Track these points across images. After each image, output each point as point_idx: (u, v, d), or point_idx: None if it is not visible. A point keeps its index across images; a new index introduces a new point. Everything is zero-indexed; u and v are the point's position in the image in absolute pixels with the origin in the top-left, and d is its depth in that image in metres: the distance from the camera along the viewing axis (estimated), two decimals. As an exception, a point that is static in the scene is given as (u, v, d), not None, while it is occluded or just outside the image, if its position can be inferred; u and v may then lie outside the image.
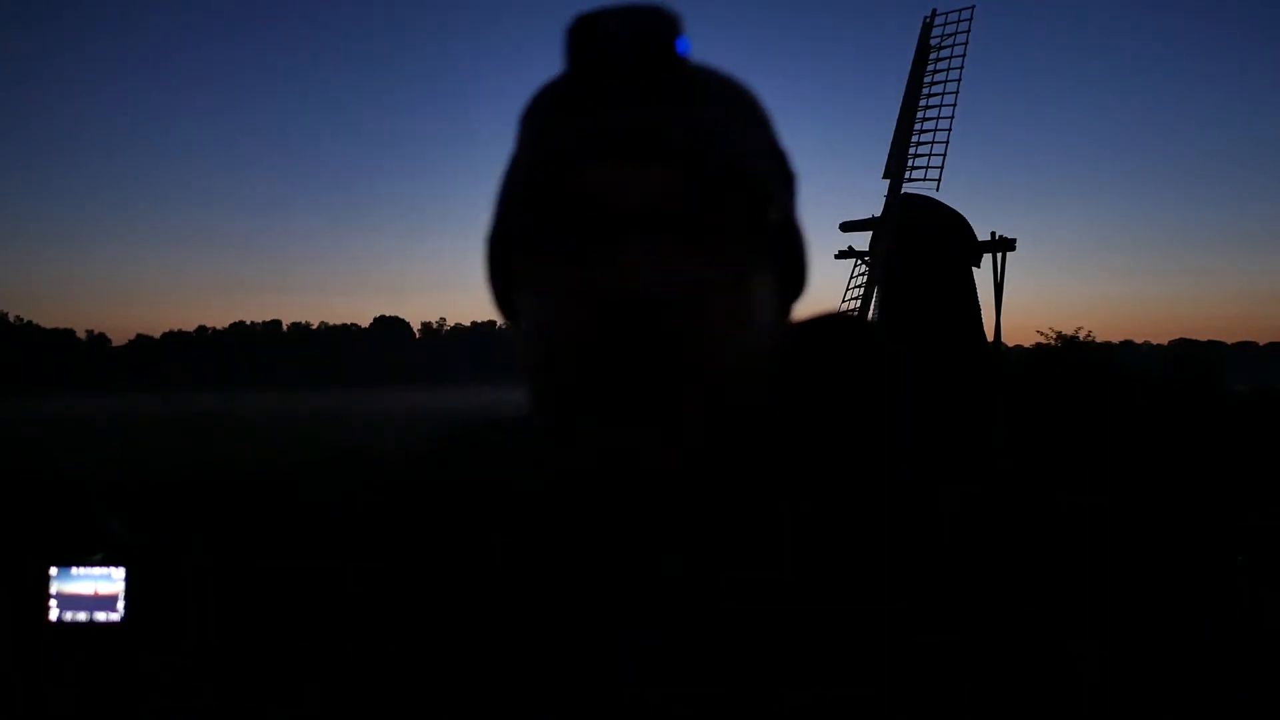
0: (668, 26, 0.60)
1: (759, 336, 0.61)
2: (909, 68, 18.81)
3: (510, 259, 0.64)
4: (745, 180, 0.60)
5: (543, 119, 0.62)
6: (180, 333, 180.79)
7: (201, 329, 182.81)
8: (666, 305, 0.56)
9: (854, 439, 0.64)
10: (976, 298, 20.13)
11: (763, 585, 0.60)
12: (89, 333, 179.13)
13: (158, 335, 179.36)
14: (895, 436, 0.65)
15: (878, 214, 18.42)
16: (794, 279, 0.66)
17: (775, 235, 0.63)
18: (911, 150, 18.40)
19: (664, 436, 0.57)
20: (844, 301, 18.63)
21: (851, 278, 18.96)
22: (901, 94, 18.78)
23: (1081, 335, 21.64)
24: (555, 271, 0.59)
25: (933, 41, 18.76)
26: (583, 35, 0.59)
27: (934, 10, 18.94)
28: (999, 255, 19.81)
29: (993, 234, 19.98)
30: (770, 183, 0.62)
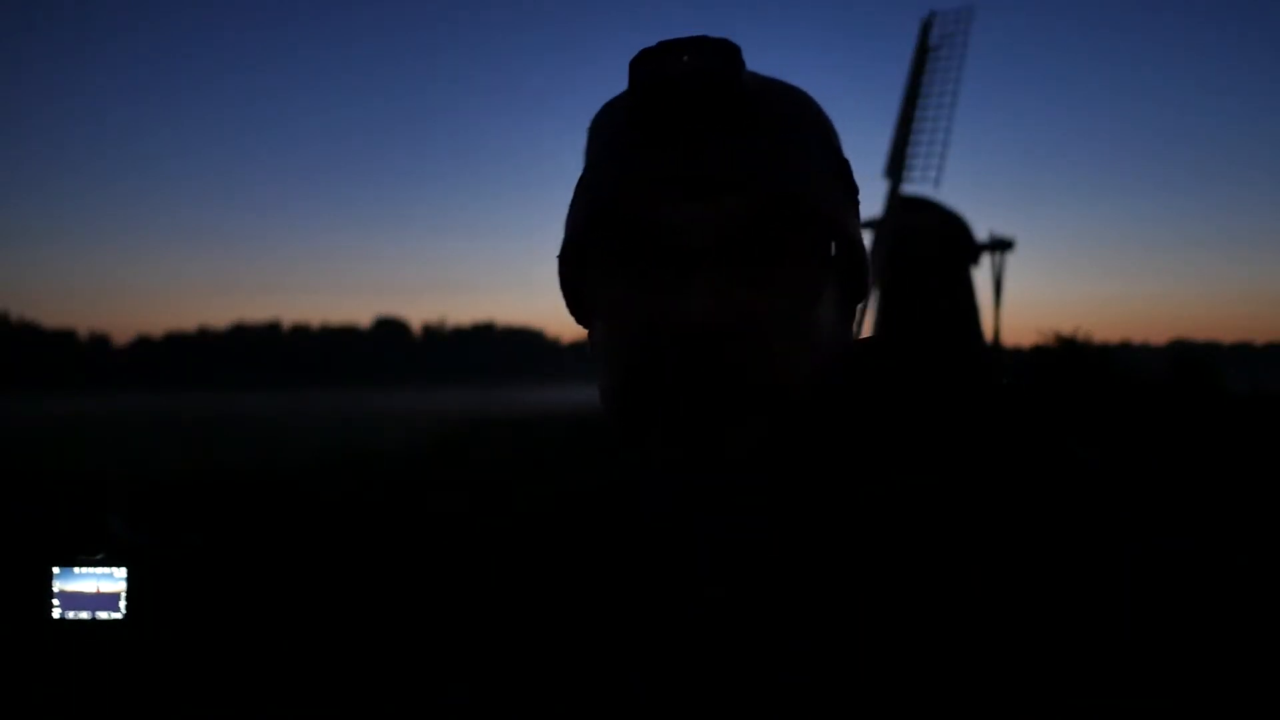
0: (728, 60, 0.61)
1: (823, 353, 0.62)
2: (908, 68, 18.81)
3: (581, 274, 0.66)
4: (808, 206, 0.61)
5: (608, 146, 0.64)
6: (181, 333, 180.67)
7: (202, 329, 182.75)
8: (729, 337, 0.58)
9: (916, 453, 0.63)
10: (975, 298, 20.12)
11: (820, 598, 0.60)
12: (90, 333, 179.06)
13: (158, 336, 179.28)
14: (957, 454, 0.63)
15: (876, 214, 18.41)
16: (856, 289, 0.67)
17: (839, 254, 0.64)
18: (910, 150, 18.39)
19: (725, 454, 0.59)
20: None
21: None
22: (900, 94, 18.79)
23: (1079, 336, 21.60)
24: (621, 298, 0.61)
25: (932, 42, 18.74)
26: (646, 70, 0.61)
27: (933, 11, 18.93)
28: (997, 255, 19.82)
29: (991, 234, 19.99)
30: (834, 204, 0.63)
